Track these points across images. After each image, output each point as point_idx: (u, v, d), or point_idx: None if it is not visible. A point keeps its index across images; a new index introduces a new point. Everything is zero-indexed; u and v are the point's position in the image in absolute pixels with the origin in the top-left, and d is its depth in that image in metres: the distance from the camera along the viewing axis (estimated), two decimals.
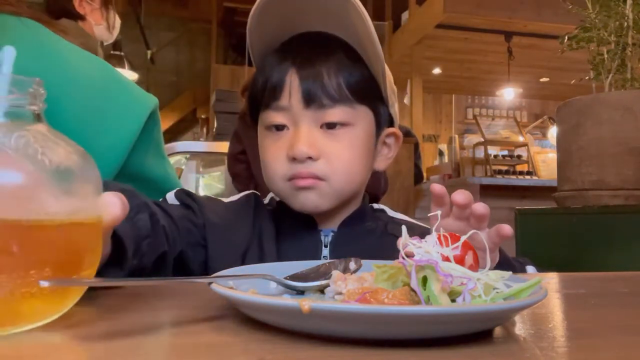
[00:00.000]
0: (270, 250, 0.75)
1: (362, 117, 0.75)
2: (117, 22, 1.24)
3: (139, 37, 5.74)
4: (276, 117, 0.74)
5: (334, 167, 0.72)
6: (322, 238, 0.77)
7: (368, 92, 0.76)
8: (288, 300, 0.31)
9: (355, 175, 0.76)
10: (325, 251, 0.76)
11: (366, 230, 0.79)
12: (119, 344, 0.32)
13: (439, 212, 0.48)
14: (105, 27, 1.08)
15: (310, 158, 0.71)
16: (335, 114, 0.72)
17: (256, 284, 0.45)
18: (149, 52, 5.80)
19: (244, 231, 0.76)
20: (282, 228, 0.78)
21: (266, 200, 0.85)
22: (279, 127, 0.74)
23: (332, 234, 0.78)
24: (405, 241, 0.41)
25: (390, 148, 0.83)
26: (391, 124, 0.82)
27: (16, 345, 0.32)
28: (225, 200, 0.82)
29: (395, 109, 0.83)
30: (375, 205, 0.87)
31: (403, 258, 0.39)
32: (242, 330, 0.35)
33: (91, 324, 0.38)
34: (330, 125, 0.73)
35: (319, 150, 0.72)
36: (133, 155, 0.78)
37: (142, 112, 0.78)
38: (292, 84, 0.72)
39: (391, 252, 0.73)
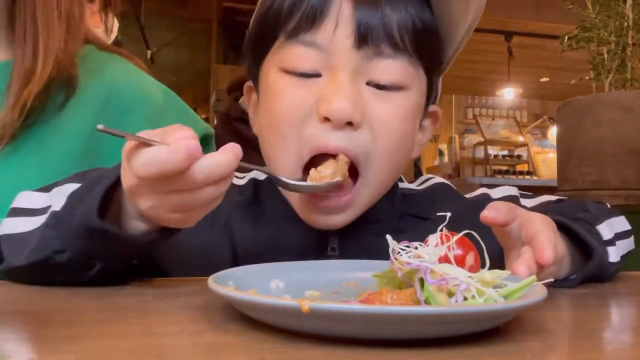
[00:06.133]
0: (250, 252, 0.60)
1: (418, 82, 0.57)
2: (115, 25, 1.26)
3: (139, 37, 5.73)
4: (306, 58, 0.53)
5: (380, 138, 0.53)
6: None
7: (433, 52, 0.58)
8: (288, 300, 0.31)
9: (400, 159, 0.57)
10: (333, 240, 0.60)
11: (380, 207, 0.61)
12: (119, 344, 0.32)
13: (448, 214, 0.42)
14: (103, 30, 1.09)
15: (350, 124, 0.52)
16: (393, 69, 0.53)
17: (256, 284, 0.45)
18: (149, 52, 5.79)
19: (196, 230, 0.61)
20: (269, 216, 0.62)
21: (243, 181, 0.66)
22: (307, 74, 0.54)
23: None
24: (395, 247, 0.40)
25: (425, 132, 0.65)
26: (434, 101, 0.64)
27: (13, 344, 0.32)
28: None
29: (440, 82, 0.65)
30: None
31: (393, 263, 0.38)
32: (242, 330, 0.35)
33: (90, 324, 0.37)
34: (381, 86, 0.54)
35: (364, 114, 0.52)
36: None
37: None
38: (342, 15, 0.52)
39: (416, 236, 0.60)
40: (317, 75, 0.54)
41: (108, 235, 0.46)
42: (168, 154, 0.39)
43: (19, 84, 0.69)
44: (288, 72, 0.55)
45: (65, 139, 0.73)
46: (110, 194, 0.48)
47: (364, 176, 0.55)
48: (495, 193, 0.69)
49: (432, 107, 0.64)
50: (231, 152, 0.41)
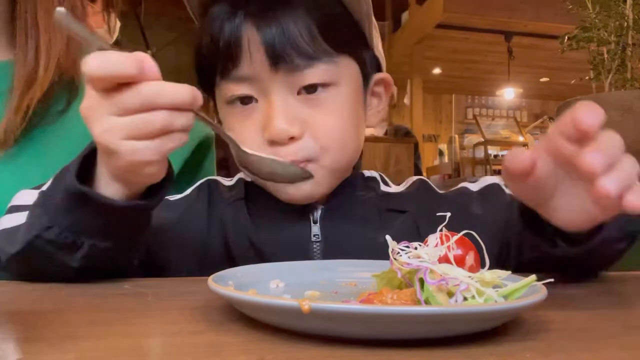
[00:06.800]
0: (238, 239, 0.64)
1: (346, 71, 0.62)
2: (117, 25, 1.26)
3: (139, 37, 5.73)
4: (238, 89, 0.59)
5: (322, 142, 0.59)
6: (310, 214, 0.65)
7: (349, 38, 0.62)
8: (288, 300, 0.31)
9: (349, 145, 0.63)
10: (316, 228, 0.64)
11: (360, 201, 0.67)
12: (119, 344, 0.32)
13: (448, 214, 0.43)
14: (105, 30, 1.09)
15: (292, 138, 0.58)
16: (314, 74, 0.58)
17: (256, 284, 0.45)
18: (149, 52, 5.79)
19: (198, 225, 0.65)
20: (257, 209, 0.66)
21: (232, 182, 0.72)
22: (245, 100, 0.60)
23: (321, 208, 0.65)
24: (394, 247, 0.40)
25: (380, 97, 0.69)
26: (378, 69, 0.68)
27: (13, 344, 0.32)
28: (173, 197, 0.69)
29: (379, 49, 0.68)
30: (367, 173, 0.73)
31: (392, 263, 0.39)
32: (242, 330, 0.35)
33: (90, 324, 0.38)
34: (310, 89, 0.59)
35: (302, 125, 0.58)
36: (179, 180, 0.81)
37: (191, 141, 0.82)
38: (252, 46, 0.57)
39: (400, 232, 0.59)
40: (254, 99, 0.60)
41: (89, 202, 0.48)
42: (121, 57, 0.42)
43: (20, 89, 0.69)
44: (230, 102, 0.61)
45: (68, 141, 0.73)
46: (90, 170, 0.50)
47: (316, 164, 0.60)
48: (475, 186, 0.69)
49: (378, 75, 0.68)
50: (187, 86, 0.44)
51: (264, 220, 0.65)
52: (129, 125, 0.44)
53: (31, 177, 0.70)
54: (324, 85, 0.60)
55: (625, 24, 1.45)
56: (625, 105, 1.39)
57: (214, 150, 0.94)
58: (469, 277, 0.36)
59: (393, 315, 0.30)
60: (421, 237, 0.64)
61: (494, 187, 0.67)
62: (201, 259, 0.65)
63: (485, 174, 5.94)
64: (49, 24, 0.71)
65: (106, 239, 0.51)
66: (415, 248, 0.40)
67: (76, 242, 0.50)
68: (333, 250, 0.64)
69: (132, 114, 0.43)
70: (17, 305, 0.46)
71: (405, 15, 5.96)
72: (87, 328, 0.36)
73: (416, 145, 4.01)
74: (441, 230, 0.42)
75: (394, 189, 0.72)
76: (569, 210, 0.42)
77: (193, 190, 0.71)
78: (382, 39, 0.72)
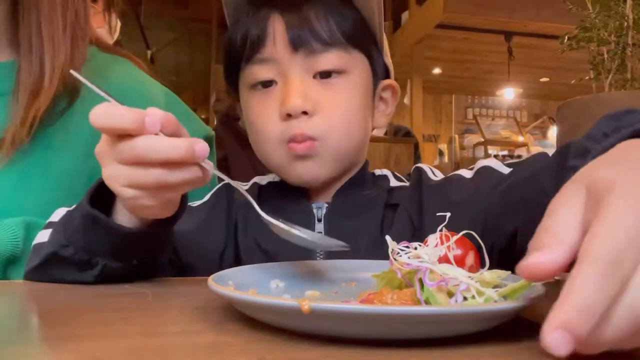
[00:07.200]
0: (246, 239, 0.67)
1: (358, 63, 0.67)
2: (118, 25, 1.26)
3: (139, 37, 5.73)
4: (261, 72, 0.66)
5: (331, 122, 0.64)
6: (315, 211, 0.68)
7: (362, 36, 0.68)
8: (288, 300, 0.31)
9: (355, 130, 0.67)
10: (320, 226, 0.67)
11: (366, 200, 0.69)
12: (119, 344, 0.32)
13: (447, 214, 0.43)
14: (107, 30, 1.09)
15: (305, 113, 0.63)
16: (329, 59, 0.64)
17: (256, 284, 0.45)
18: (149, 52, 5.79)
19: (217, 231, 0.69)
20: (267, 211, 0.66)
21: (247, 186, 0.76)
22: (266, 84, 0.66)
23: (326, 205, 0.68)
24: (394, 248, 0.40)
25: (387, 103, 0.75)
26: (386, 75, 0.75)
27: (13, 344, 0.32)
28: (194, 204, 0.72)
29: (389, 59, 0.75)
30: (378, 171, 0.75)
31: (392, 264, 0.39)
32: (242, 330, 0.35)
33: (90, 324, 0.38)
34: (325, 75, 0.65)
35: (314, 104, 0.63)
36: None
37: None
38: (276, 31, 0.64)
39: (397, 226, 0.65)
40: (275, 82, 0.65)
41: (100, 225, 0.50)
42: (123, 111, 0.44)
43: (26, 99, 0.69)
44: (253, 86, 0.67)
45: (69, 142, 0.73)
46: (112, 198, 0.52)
47: (322, 142, 0.64)
48: (469, 172, 0.67)
49: (387, 81, 0.74)
50: (186, 141, 0.45)
51: (271, 214, 0.66)
52: (128, 175, 0.46)
53: (34, 180, 0.70)
54: (338, 72, 0.65)
55: (625, 24, 1.45)
56: (625, 105, 1.39)
57: (214, 151, 0.94)
58: (469, 277, 0.36)
59: (393, 315, 0.30)
60: (415, 229, 0.65)
61: (484, 169, 0.65)
62: (220, 263, 0.68)
63: None
64: (53, 31, 0.71)
65: (118, 260, 0.53)
66: (415, 248, 0.40)
67: (91, 261, 0.52)
68: None
69: (129, 165, 0.46)
70: (17, 306, 0.46)
71: (405, 15, 5.96)
72: (87, 328, 0.36)
73: (416, 145, 4.00)
74: (441, 230, 0.42)
75: (402, 183, 0.72)
76: None
77: (211, 196, 0.73)
78: None
